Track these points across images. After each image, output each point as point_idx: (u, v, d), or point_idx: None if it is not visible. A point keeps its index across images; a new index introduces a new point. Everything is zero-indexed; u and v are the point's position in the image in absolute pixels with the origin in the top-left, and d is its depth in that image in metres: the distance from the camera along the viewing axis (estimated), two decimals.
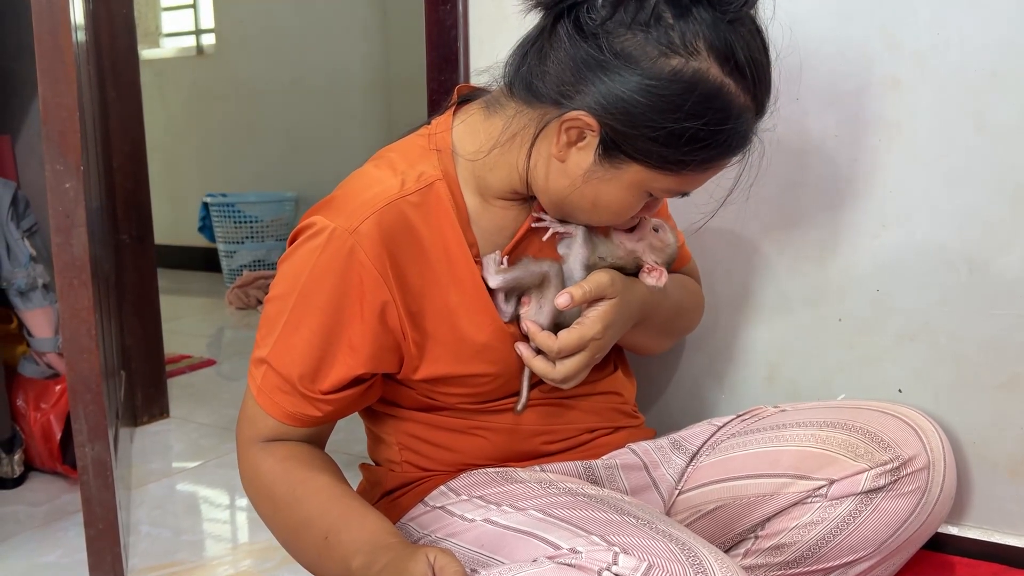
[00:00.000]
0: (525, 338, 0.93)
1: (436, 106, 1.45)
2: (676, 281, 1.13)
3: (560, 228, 0.94)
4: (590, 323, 0.91)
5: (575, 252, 0.94)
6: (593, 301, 0.91)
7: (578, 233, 0.93)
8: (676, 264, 1.16)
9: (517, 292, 0.93)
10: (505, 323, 0.93)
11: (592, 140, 0.83)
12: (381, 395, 0.98)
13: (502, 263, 0.92)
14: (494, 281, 0.91)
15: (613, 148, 0.82)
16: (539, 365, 0.91)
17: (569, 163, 0.85)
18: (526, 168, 0.89)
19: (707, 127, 0.80)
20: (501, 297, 0.93)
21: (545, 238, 0.94)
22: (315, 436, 0.93)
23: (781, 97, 1.21)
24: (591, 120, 0.81)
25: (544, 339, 0.90)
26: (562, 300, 0.89)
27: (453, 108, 0.95)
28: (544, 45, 0.84)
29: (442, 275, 0.89)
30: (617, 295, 0.92)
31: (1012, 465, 1.17)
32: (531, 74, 0.85)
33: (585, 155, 0.84)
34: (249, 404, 0.91)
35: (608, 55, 0.79)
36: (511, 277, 0.91)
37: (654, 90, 0.78)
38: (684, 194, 0.89)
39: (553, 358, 0.90)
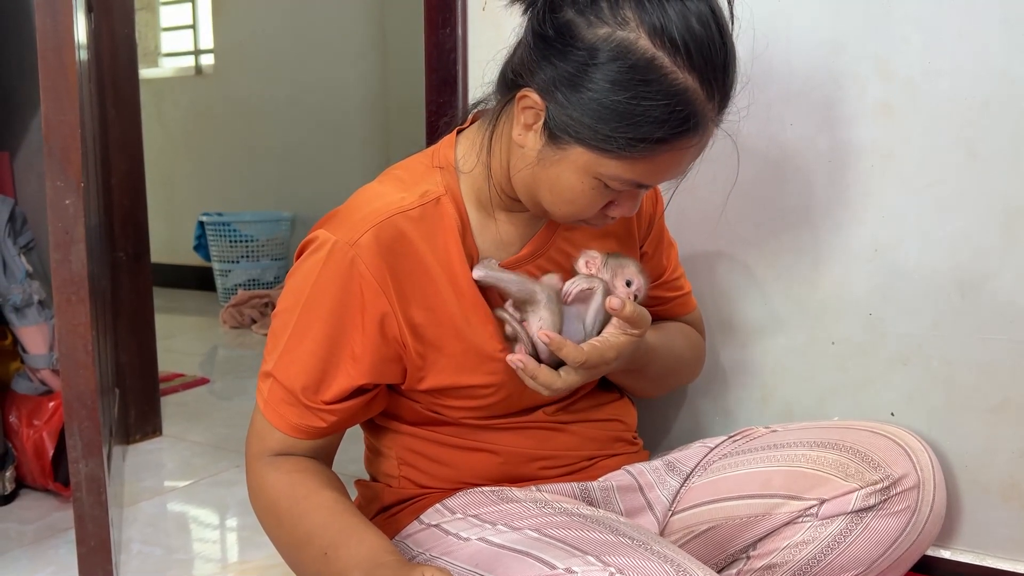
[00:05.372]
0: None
1: (434, 128, 1.46)
2: (678, 331, 1.14)
3: (585, 284, 0.94)
4: (610, 347, 0.91)
5: (596, 302, 0.94)
6: (625, 323, 0.91)
7: (599, 288, 0.94)
8: (680, 311, 1.17)
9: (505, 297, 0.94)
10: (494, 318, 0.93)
11: (541, 119, 0.83)
12: (384, 408, 0.98)
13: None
14: (477, 272, 0.91)
15: (556, 127, 0.82)
16: (544, 377, 0.89)
17: (527, 147, 0.85)
18: (499, 160, 0.90)
19: (637, 102, 0.77)
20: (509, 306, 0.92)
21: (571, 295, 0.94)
22: (322, 449, 0.94)
23: (776, 123, 1.23)
24: (537, 98, 0.82)
25: (572, 351, 0.88)
26: (615, 303, 0.89)
27: (458, 127, 0.97)
28: (520, 39, 0.86)
29: (445, 288, 0.90)
30: (643, 334, 0.93)
31: (1004, 489, 1.17)
32: (505, 67, 0.88)
33: (538, 137, 0.84)
34: (257, 418, 0.92)
35: (550, 31, 0.81)
36: (495, 276, 0.91)
37: (582, 60, 0.78)
38: (642, 187, 0.85)
39: (574, 366, 0.89)
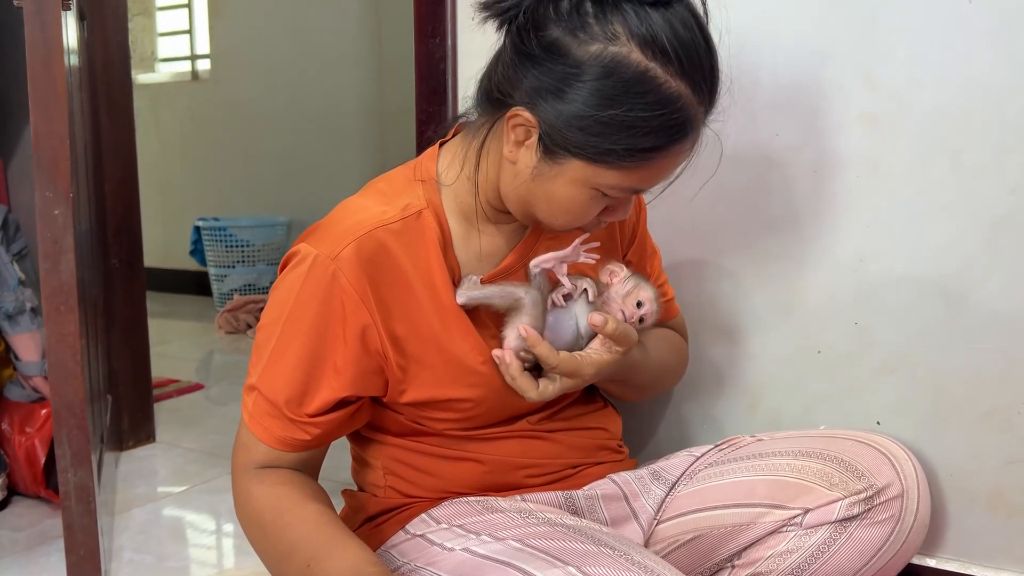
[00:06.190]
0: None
1: (425, 137, 1.46)
2: (663, 338, 1.15)
3: (565, 290, 0.94)
4: (589, 362, 0.92)
5: (581, 306, 0.95)
6: (609, 340, 0.92)
7: (579, 289, 0.94)
8: (664, 317, 1.17)
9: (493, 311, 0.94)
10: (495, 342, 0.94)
11: (534, 136, 0.84)
12: (369, 420, 0.99)
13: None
14: (460, 298, 0.91)
15: (551, 143, 0.83)
16: (523, 382, 0.91)
17: (519, 163, 0.86)
18: (486, 176, 0.91)
19: (634, 114, 0.79)
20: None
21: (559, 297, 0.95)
22: (307, 462, 0.95)
23: (762, 133, 1.24)
24: (529, 116, 0.83)
25: (545, 350, 0.89)
26: (597, 319, 0.89)
27: (440, 140, 0.97)
28: (499, 55, 0.87)
29: (426, 301, 0.91)
30: (627, 352, 0.94)
31: (990, 498, 1.18)
32: (488, 84, 0.88)
33: (531, 153, 0.85)
34: (242, 431, 0.93)
35: (537, 49, 0.81)
36: (477, 295, 0.92)
37: (576, 78, 0.79)
38: (639, 191, 0.88)
39: (547, 368, 0.91)
